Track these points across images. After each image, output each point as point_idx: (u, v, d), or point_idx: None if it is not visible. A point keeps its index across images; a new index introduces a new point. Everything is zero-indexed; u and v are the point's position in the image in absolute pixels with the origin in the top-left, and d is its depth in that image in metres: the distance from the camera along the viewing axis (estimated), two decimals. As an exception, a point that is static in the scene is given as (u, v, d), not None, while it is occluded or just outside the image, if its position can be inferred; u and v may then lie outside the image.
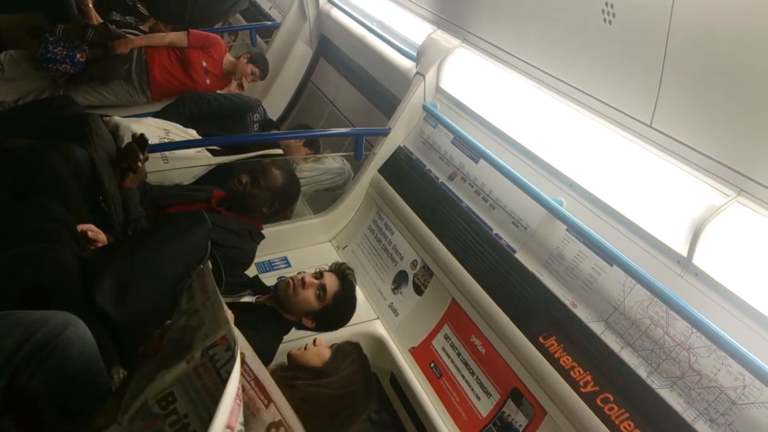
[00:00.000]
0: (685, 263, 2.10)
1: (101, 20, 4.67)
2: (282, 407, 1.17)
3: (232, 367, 1.04)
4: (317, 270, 2.61)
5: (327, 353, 2.16)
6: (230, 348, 1.11)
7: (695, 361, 1.96)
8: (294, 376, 2.04)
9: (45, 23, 4.34)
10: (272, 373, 2.09)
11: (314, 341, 2.21)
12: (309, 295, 2.49)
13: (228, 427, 0.99)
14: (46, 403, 1.40)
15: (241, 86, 4.58)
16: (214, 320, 1.21)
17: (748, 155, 1.82)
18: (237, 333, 1.13)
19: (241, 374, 1.12)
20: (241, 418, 1.04)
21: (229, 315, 1.92)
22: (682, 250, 2.09)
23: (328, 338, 2.38)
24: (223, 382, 1.03)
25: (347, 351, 2.19)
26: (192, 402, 1.14)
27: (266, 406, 1.15)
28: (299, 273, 2.59)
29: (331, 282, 2.55)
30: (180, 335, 1.29)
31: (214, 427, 0.96)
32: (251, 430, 1.11)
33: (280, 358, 2.34)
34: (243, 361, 1.13)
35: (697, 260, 2.05)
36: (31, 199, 2.11)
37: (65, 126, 2.72)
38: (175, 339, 1.31)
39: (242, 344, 1.13)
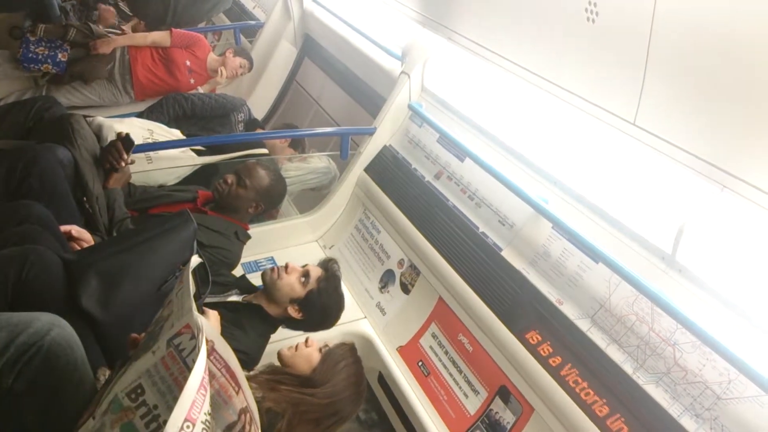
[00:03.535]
0: (669, 260, 2.12)
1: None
2: (247, 393, 1.17)
3: (197, 356, 1.04)
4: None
5: (316, 358, 2.12)
6: (195, 336, 1.10)
7: (680, 356, 1.98)
8: (280, 381, 2.02)
9: (26, 23, 4.30)
10: (259, 375, 2.08)
11: (306, 341, 2.19)
12: (293, 279, 2.52)
13: (187, 420, 0.98)
14: (31, 405, 1.38)
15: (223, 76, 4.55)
16: (180, 309, 1.21)
17: (731, 152, 1.83)
18: (202, 321, 1.11)
19: (212, 362, 1.11)
20: (207, 408, 1.03)
21: (213, 315, 1.92)
22: (667, 246, 2.11)
23: (321, 337, 2.37)
24: (190, 370, 1.02)
25: (338, 357, 2.14)
26: (160, 393, 1.14)
27: (237, 393, 1.14)
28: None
29: (314, 270, 2.58)
30: (153, 326, 1.29)
31: (170, 425, 0.96)
32: (223, 417, 1.10)
33: (270, 357, 2.34)
34: (213, 349, 1.13)
35: (682, 257, 2.07)
36: (12, 202, 2.09)
37: (48, 126, 2.69)
38: (149, 331, 1.30)
39: (210, 332, 1.12)
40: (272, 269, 2.57)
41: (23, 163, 2.20)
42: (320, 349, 2.16)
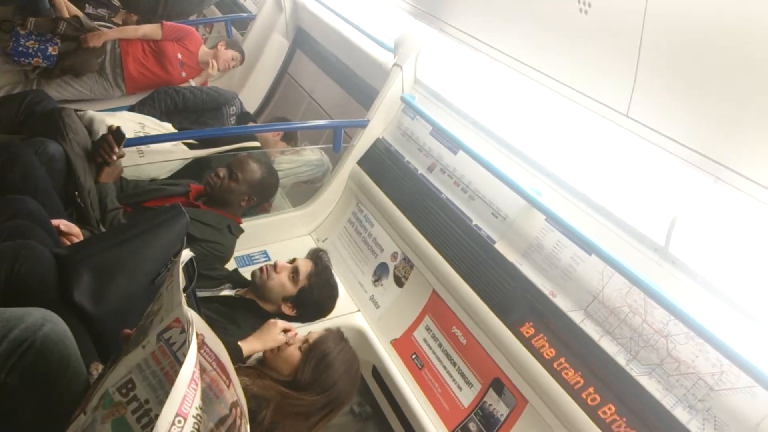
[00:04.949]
0: (662, 251, 2.12)
1: (75, 12, 4.59)
2: (237, 386, 1.16)
3: (187, 350, 1.03)
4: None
5: (296, 357, 2.04)
6: (185, 330, 1.10)
7: (673, 348, 1.99)
8: (267, 375, 1.99)
9: (16, 17, 4.26)
10: (246, 368, 2.07)
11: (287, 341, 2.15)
12: (283, 278, 2.52)
13: (179, 414, 0.98)
14: (24, 400, 1.38)
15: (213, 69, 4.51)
16: (169, 303, 1.20)
17: (724, 143, 1.83)
18: (192, 314, 1.11)
19: (202, 356, 1.11)
20: (198, 402, 1.03)
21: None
22: (659, 238, 2.12)
23: (306, 329, 2.36)
24: (181, 364, 1.01)
25: (321, 353, 2.03)
26: (152, 387, 1.13)
27: (228, 386, 1.14)
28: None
29: (304, 265, 2.58)
30: (143, 321, 1.28)
31: (161, 420, 0.95)
32: (215, 411, 1.10)
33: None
34: (203, 343, 1.12)
35: (674, 248, 2.07)
36: (2, 197, 2.07)
37: (39, 121, 2.68)
38: (140, 325, 1.29)
39: (200, 326, 1.11)
40: (261, 269, 2.57)
41: (2, 161, 2.18)
42: (300, 347, 2.08)
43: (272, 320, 2.21)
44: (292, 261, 2.60)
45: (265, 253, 3.33)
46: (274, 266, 2.55)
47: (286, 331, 2.18)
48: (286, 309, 2.51)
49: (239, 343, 2.15)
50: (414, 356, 2.74)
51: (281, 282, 2.51)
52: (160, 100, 3.98)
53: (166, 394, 0.99)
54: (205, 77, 4.59)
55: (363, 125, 3.53)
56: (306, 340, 2.11)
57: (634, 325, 2.10)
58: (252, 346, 2.14)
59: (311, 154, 3.80)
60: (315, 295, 2.54)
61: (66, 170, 2.43)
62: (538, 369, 2.25)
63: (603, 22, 2.07)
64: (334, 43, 4.45)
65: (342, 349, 2.10)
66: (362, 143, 3.54)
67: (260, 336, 2.17)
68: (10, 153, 2.21)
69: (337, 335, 2.15)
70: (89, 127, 2.95)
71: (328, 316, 2.68)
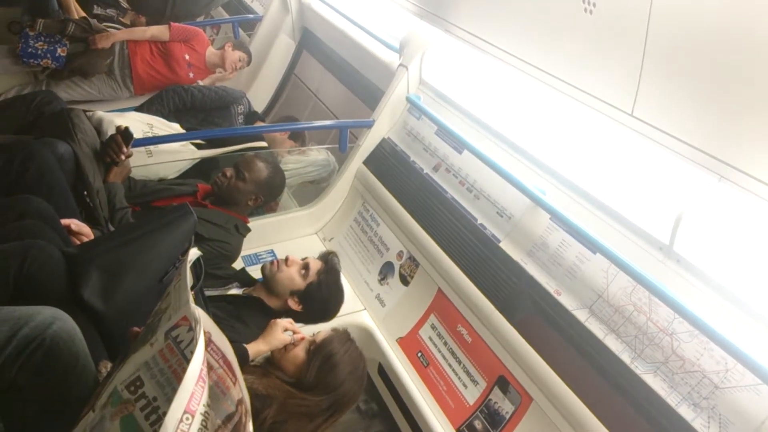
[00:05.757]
0: (667, 250, 2.12)
1: (83, 14, 4.62)
2: (242, 384, 1.18)
3: (195, 348, 1.04)
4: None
5: (301, 359, 2.06)
6: (192, 328, 1.11)
7: (678, 346, 1.99)
8: (272, 373, 2.00)
9: (25, 18, 4.29)
10: (254, 365, 2.08)
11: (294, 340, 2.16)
12: (293, 272, 2.55)
13: (187, 412, 0.99)
14: (33, 398, 1.39)
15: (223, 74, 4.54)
16: (177, 301, 1.21)
17: (728, 142, 1.84)
18: (199, 312, 1.12)
19: (209, 354, 1.12)
20: (205, 400, 1.04)
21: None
22: (664, 236, 2.12)
23: (313, 329, 2.37)
24: (188, 362, 1.02)
25: (326, 354, 2.04)
26: (159, 385, 1.14)
27: (234, 384, 1.15)
28: None
29: (314, 263, 2.61)
30: (152, 319, 1.29)
31: (169, 417, 0.97)
32: (222, 408, 1.11)
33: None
34: (210, 341, 1.13)
35: (679, 247, 2.07)
36: (13, 196, 2.09)
37: (48, 121, 2.70)
38: (148, 323, 1.31)
39: (207, 323, 1.13)
40: (272, 262, 2.60)
41: (20, 159, 2.20)
42: (308, 350, 2.08)
43: (273, 320, 2.23)
44: (303, 259, 2.62)
45: (271, 252, 3.35)
46: (285, 260, 2.58)
47: (288, 330, 2.19)
48: (293, 303, 2.52)
49: (245, 345, 2.17)
50: (419, 354, 2.76)
51: (290, 275, 2.54)
52: (168, 99, 4.00)
53: (174, 391, 1.00)
54: (214, 81, 4.61)
55: (369, 125, 3.55)
56: (313, 341, 2.12)
57: (638, 323, 2.11)
58: (258, 348, 2.16)
59: (317, 154, 3.81)
60: (323, 292, 2.56)
61: (75, 170, 2.45)
62: (543, 367, 2.26)
63: (608, 21, 2.07)
64: (340, 44, 4.47)
65: (348, 350, 2.10)
66: (368, 143, 3.55)
67: (264, 337, 2.18)
68: (28, 151, 2.23)
69: (343, 336, 2.16)
70: (98, 127, 2.97)
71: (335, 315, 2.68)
